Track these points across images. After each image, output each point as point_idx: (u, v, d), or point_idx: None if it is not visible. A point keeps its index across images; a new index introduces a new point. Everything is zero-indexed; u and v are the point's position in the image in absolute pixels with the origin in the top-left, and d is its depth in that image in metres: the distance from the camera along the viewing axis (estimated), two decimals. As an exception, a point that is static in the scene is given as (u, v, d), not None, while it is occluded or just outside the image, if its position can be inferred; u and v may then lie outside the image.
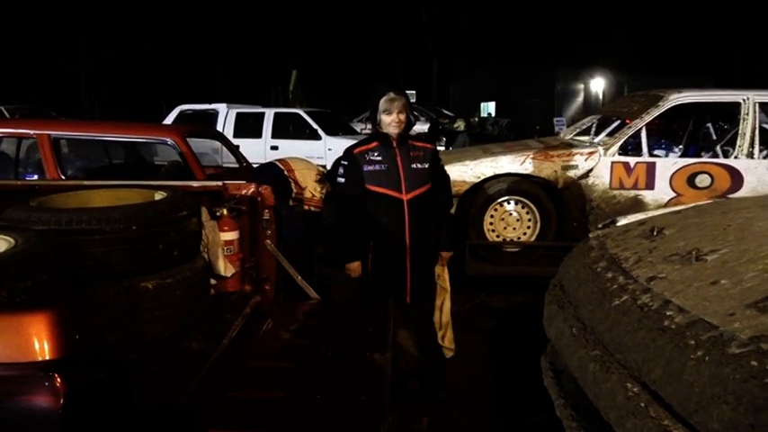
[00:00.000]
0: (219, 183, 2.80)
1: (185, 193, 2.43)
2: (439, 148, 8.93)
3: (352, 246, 2.96)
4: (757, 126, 5.10)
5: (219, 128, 9.92)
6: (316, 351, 2.13)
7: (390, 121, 2.80)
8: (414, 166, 2.86)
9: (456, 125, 16.98)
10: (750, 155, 5.02)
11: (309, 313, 2.59)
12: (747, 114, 5.06)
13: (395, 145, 2.84)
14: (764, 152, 5.42)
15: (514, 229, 5.17)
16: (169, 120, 10.58)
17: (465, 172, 5.08)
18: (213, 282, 2.60)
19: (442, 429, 2.83)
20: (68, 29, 27.16)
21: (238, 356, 2.11)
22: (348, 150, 2.93)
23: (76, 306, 1.20)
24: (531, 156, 5.12)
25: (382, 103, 2.82)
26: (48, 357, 1.04)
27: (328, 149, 9.88)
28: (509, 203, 5.14)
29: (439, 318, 3.24)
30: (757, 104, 5.09)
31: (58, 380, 1.04)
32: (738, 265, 1.80)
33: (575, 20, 29.34)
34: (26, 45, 28.21)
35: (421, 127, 18.58)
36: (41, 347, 1.03)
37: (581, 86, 30.13)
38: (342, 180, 2.92)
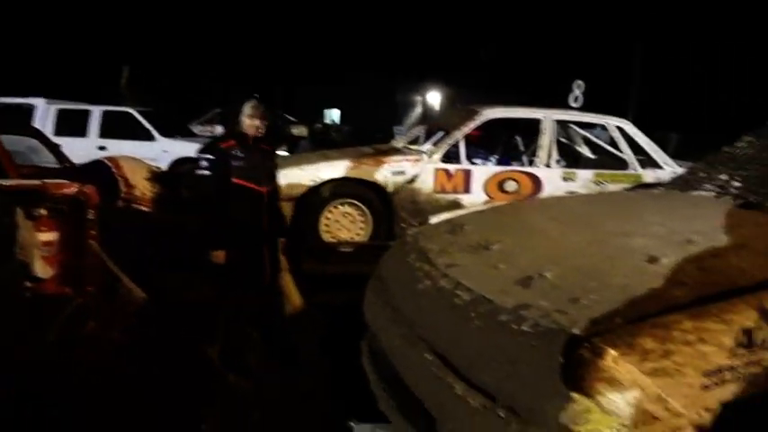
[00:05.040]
0: (38, 182, 2.69)
1: (-5, 191, 2.32)
2: (281, 153, 9.03)
3: None
4: (554, 140, 5.94)
5: (37, 125, 9.06)
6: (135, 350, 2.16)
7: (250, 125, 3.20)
8: None
9: (298, 131, 17.04)
10: (548, 164, 5.82)
11: (134, 314, 2.60)
12: (546, 130, 5.86)
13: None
14: (561, 162, 6.29)
15: (348, 230, 5.45)
16: (-25, 114, 9.43)
17: (302, 176, 5.26)
18: (29, 284, 2.49)
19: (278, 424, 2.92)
20: None
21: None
22: None
23: None
24: (364, 161, 5.44)
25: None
26: None
27: (163, 152, 9.46)
28: (343, 206, 5.42)
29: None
30: (555, 122, 5.92)
31: None
32: (514, 253, 2.19)
33: (415, 33, 30.72)
34: None
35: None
36: None
37: (419, 98, 31.85)
38: None
